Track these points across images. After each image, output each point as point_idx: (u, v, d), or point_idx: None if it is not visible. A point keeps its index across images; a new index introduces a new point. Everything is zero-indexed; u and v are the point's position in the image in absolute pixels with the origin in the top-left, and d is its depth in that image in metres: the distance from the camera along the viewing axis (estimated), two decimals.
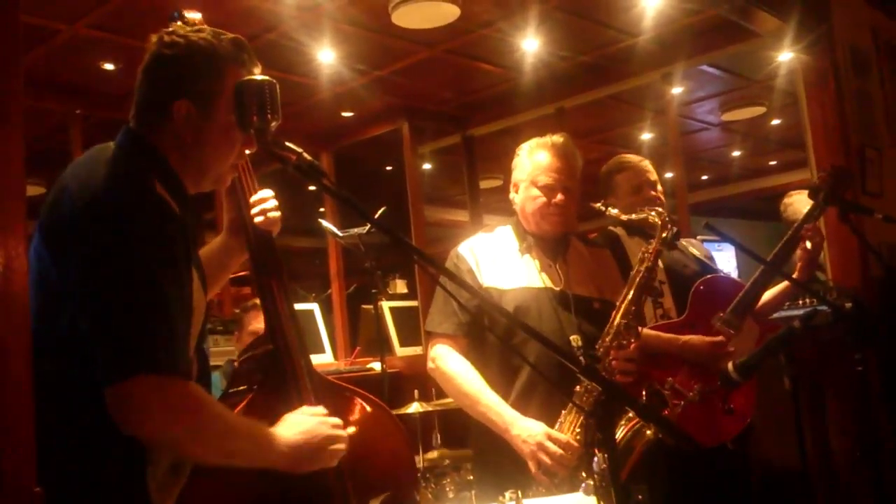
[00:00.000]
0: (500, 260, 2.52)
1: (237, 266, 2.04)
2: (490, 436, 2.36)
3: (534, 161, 2.57)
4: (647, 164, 3.22)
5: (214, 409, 1.55)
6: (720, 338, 2.91)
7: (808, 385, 3.87)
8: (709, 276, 3.09)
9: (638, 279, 2.46)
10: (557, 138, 2.61)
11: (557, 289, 2.50)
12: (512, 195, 2.63)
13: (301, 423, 1.69)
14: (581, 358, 2.21)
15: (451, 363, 2.42)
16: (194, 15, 1.88)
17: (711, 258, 3.30)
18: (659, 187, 3.18)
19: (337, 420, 1.75)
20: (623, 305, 2.42)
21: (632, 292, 2.45)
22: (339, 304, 6.98)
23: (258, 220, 1.94)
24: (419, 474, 3.79)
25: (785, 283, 3.14)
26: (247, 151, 1.80)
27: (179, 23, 1.77)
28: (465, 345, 2.48)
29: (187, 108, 1.64)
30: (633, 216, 2.61)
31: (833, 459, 4.00)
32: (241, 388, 1.88)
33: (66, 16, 4.49)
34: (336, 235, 4.54)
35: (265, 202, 1.96)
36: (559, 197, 2.51)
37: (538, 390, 2.38)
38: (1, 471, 1.31)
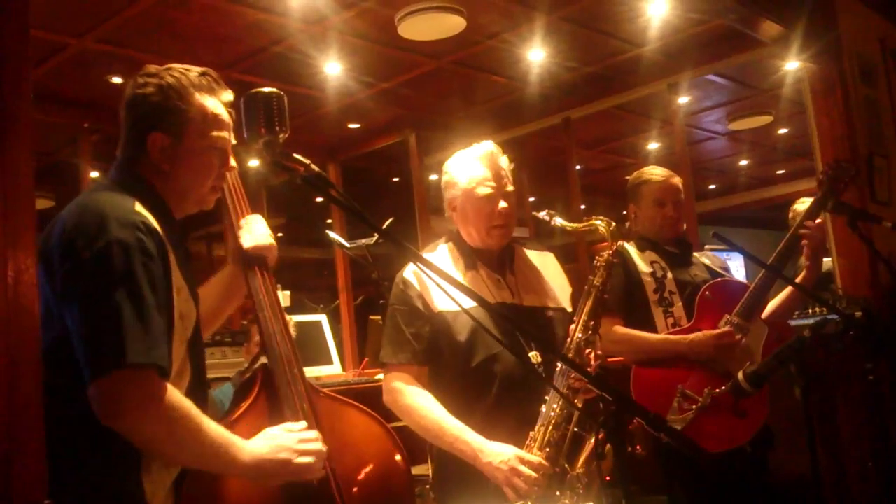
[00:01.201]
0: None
1: (243, 292, 2.06)
2: (449, 457, 2.28)
3: (467, 174, 2.47)
4: (676, 181, 3.20)
5: (184, 410, 1.60)
6: (726, 328, 2.91)
7: (818, 395, 3.85)
8: (714, 281, 3.08)
9: (594, 292, 2.36)
10: (484, 146, 2.51)
11: (509, 303, 2.40)
12: (448, 214, 2.53)
13: (271, 438, 1.73)
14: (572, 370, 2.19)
15: (409, 396, 2.32)
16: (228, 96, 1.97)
17: (727, 269, 3.28)
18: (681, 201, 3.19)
19: (312, 434, 1.76)
20: (580, 320, 2.32)
21: (588, 306, 2.34)
22: (346, 316, 6.98)
23: (249, 245, 1.99)
24: (418, 486, 3.77)
25: (791, 288, 3.12)
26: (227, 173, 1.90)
27: (151, 66, 1.86)
28: (422, 374, 2.36)
29: (161, 139, 1.77)
30: (578, 226, 2.47)
31: (844, 469, 3.97)
32: (240, 401, 1.89)
33: (75, 30, 4.52)
34: (343, 247, 4.54)
35: (254, 227, 2.03)
36: (502, 204, 2.41)
37: (503, 413, 2.28)
38: (11, 482, 1.31)
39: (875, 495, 3.81)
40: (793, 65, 5.14)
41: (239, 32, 4.68)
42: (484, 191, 2.42)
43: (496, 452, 2.18)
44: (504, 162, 2.50)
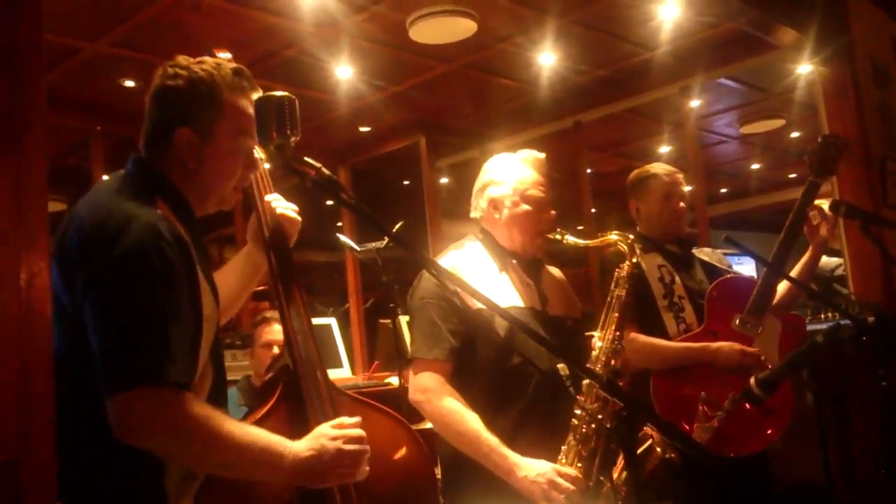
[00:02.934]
0: (480, 279, 2.36)
1: (260, 275, 2.04)
2: (462, 460, 2.25)
3: (517, 175, 2.44)
4: (680, 176, 3.21)
5: (209, 423, 1.54)
6: (754, 349, 2.89)
7: (831, 400, 3.83)
8: (720, 279, 3.06)
9: (617, 304, 2.33)
10: (532, 152, 2.49)
11: (539, 309, 2.39)
12: (487, 212, 2.46)
13: (315, 437, 1.66)
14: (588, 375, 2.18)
15: (446, 401, 2.26)
16: (224, 55, 1.94)
17: (722, 261, 3.27)
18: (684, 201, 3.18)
19: (357, 432, 1.70)
20: (606, 332, 2.29)
21: (612, 317, 2.31)
22: (356, 319, 6.99)
23: (280, 211, 1.97)
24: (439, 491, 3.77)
25: (795, 275, 3.10)
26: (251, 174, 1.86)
27: (182, 58, 1.81)
28: (450, 372, 2.31)
29: (188, 135, 1.72)
30: (592, 242, 2.44)
31: (857, 475, 3.95)
32: (261, 402, 1.87)
33: (88, 34, 4.55)
34: (354, 250, 4.54)
35: (276, 202, 2.00)
36: (552, 213, 2.42)
37: (533, 420, 2.26)
38: (22, 485, 1.31)
39: (887, 501, 3.79)
40: (805, 68, 5.12)
41: (251, 36, 4.69)
42: (537, 194, 2.41)
43: (533, 467, 2.14)
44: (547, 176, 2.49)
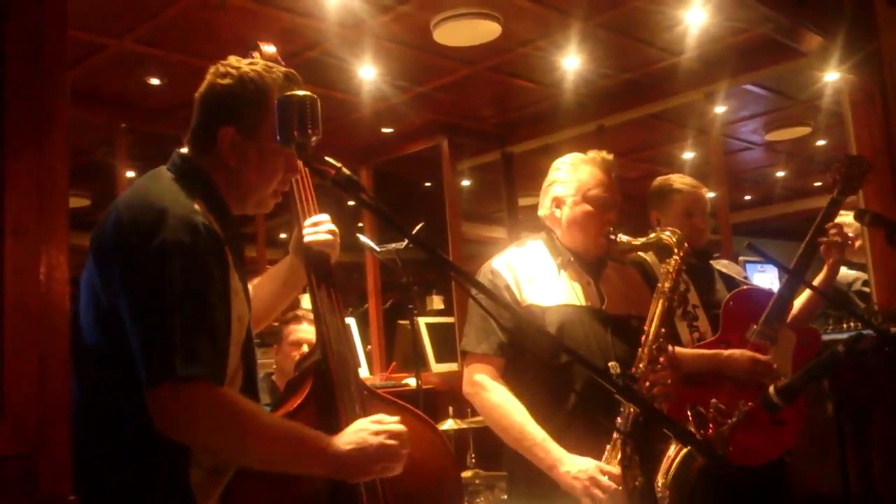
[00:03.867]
0: (537, 276, 2.42)
1: (302, 284, 2.07)
2: (524, 460, 2.28)
3: (584, 176, 2.47)
4: (703, 192, 3.20)
5: (251, 413, 1.56)
6: (766, 357, 2.87)
7: (851, 411, 3.78)
8: (736, 290, 3.05)
9: (662, 300, 2.37)
10: (605, 155, 2.52)
11: (597, 308, 2.42)
12: (550, 210, 2.52)
13: (354, 430, 1.68)
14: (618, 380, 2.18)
15: (494, 394, 2.32)
16: (269, 48, 1.96)
17: (740, 273, 3.26)
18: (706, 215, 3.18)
19: (400, 428, 1.71)
20: (652, 329, 2.32)
21: (659, 311, 2.35)
22: (375, 320, 6.99)
23: (309, 239, 1.99)
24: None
25: (811, 291, 3.08)
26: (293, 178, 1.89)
27: (233, 58, 1.84)
28: (502, 366, 2.37)
29: (232, 134, 1.72)
30: (644, 240, 2.50)
31: (877, 487, 3.90)
32: (289, 397, 1.88)
33: (114, 31, 4.58)
34: (374, 250, 4.55)
35: (319, 225, 2.02)
36: (611, 214, 2.45)
37: (582, 419, 2.27)
38: (38, 477, 1.32)
39: None
40: (832, 76, 5.07)
41: (274, 36, 4.70)
42: (604, 194, 2.44)
43: (576, 463, 2.17)
44: (615, 177, 2.52)
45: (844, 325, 4.18)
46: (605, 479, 2.12)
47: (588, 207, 2.44)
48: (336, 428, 1.72)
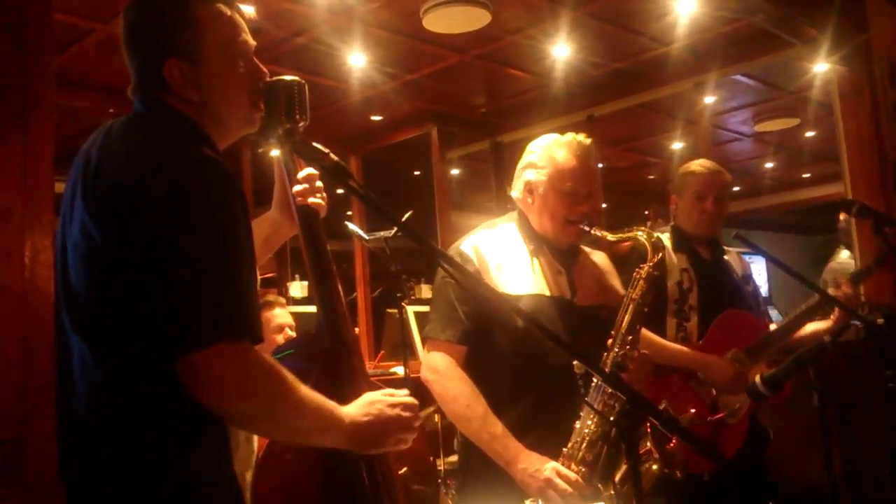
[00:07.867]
0: (507, 262, 2.32)
1: (281, 243, 2.00)
2: (479, 450, 2.22)
3: (557, 163, 2.33)
4: (722, 177, 3.15)
5: (288, 381, 1.46)
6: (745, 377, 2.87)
7: (837, 401, 3.81)
8: (736, 310, 3.03)
9: (632, 306, 2.23)
10: (580, 138, 2.37)
11: (568, 299, 2.32)
12: (523, 195, 2.40)
13: (365, 401, 1.63)
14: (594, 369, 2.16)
15: (455, 383, 2.24)
16: (247, 8, 1.86)
17: (749, 277, 3.23)
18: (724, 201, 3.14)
19: (412, 401, 1.68)
20: (619, 334, 2.21)
21: (626, 320, 2.22)
22: (363, 308, 6.99)
23: (301, 199, 1.87)
24: (440, 479, 3.77)
25: (810, 332, 3.08)
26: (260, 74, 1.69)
27: None
28: (464, 354, 2.27)
29: (178, 67, 1.54)
30: (620, 235, 2.35)
31: (862, 477, 3.93)
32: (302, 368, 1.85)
33: (101, 15, 4.54)
34: (362, 238, 4.53)
35: (311, 179, 1.88)
36: (584, 207, 2.33)
37: (542, 417, 2.22)
38: (25, 461, 1.31)
39: (892, 503, 3.77)
40: (821, 67, 5.08)
41: (262, 22, 4.68)
42: (571, 185, 2.32)
43: (534, 462, 2.12)
44: (595, 160, 2.39)
45: (831, 317, 4.19)
46: (560, 482, 2.07)
47: (560, 199, 2.32)
48: (342, 399, 1.65)
